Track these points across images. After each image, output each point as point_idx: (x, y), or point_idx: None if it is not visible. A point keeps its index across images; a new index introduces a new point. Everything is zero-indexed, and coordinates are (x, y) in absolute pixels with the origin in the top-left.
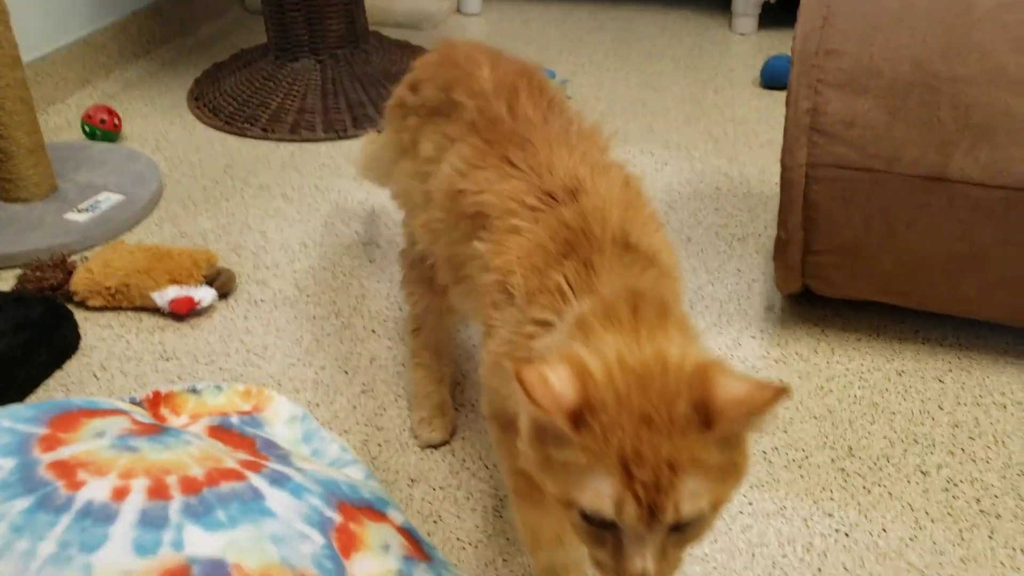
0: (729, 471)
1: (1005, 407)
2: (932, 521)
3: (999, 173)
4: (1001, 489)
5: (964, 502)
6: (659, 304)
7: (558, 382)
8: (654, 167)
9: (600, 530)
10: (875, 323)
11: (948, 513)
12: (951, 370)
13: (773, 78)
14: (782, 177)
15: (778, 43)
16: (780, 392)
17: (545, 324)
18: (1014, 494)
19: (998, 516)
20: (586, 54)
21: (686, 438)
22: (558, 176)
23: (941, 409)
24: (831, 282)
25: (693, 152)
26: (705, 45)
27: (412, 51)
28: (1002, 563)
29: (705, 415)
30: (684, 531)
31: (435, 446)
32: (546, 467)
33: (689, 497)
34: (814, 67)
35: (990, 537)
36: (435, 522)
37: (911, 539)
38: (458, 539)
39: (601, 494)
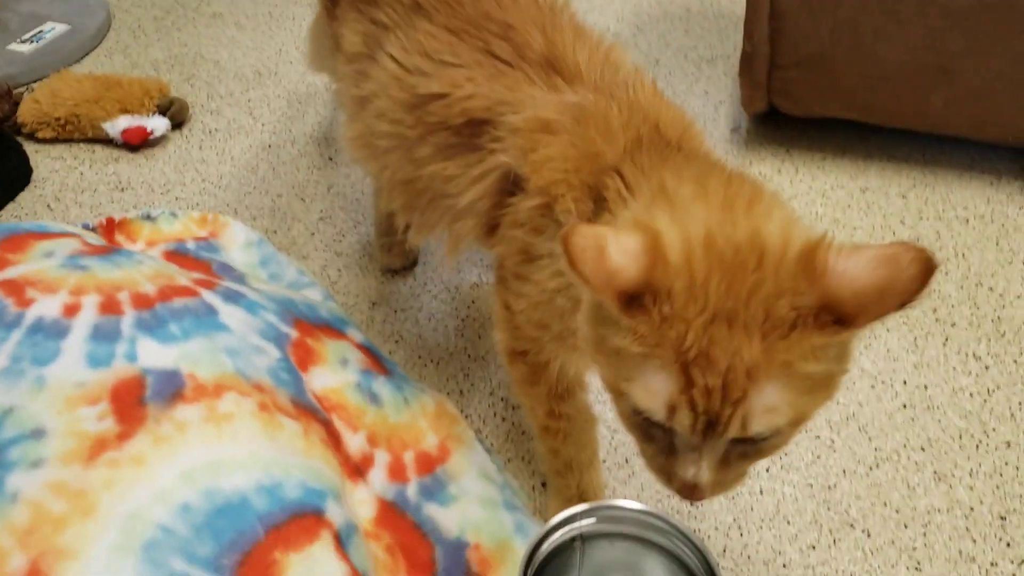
0: (822, 384)
1: (967, 221)
2: (887, 330)
3: None
4: (958, 299)
5: (920, 312)
6: (751, 179)
7: (618, 254)
8: None
9: (652, 427)
10: (840, 142)
11: (903, 322)
12: (915, 186)
13: None
14: None
15: None
16: (927, 265)
17: None
18: (970, 303)
19: (953, 324)
20: None
21: (785, 341)
22: (567, 67)
23: (903, 224)
24: (797, 99)
25: None
26: None
27: None
28: (954, 368)
29: (835, 314)
30: (756, 444)
31: (395, 271)
32: (600, 349)
33: (763, 412)
34: None
35: (944, 344)
36: (396, 342)
37: (866, 347)
38: (419, 357)
39: (654, 393)
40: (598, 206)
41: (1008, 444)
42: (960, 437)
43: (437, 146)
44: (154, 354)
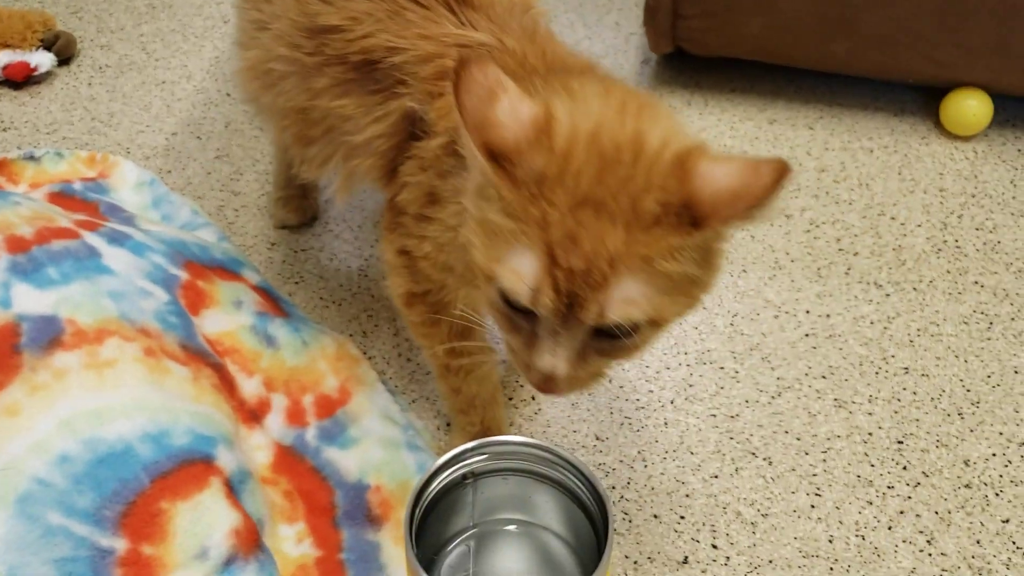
0: (682, 287)
1: (872, 151)
2: (792, 261)
3: None
4: (860, 228)
5: (824, 242)
6: (651, 94)
7: (506, 113)
8: None
9: (517, 315)
10: (749, 76)
11: (808, 253)
12: (822, 117)
13: None
14: None
15: None
16: (782, 172)
17: None
18: (872, 232)
19: (855, 254)
20: None
21: (647, 235)
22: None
23: (809, 155)
24: (703, 44)
25: None
26: None
27: None
28: (856, 296)
29: (691, 215)
30: (613, 341)
31: (290, 227)
32: (480, 230)
33: (622, 302)
34: None
35: (846, 274)
36: (296, 283)
37: (770, 278)
38: (320, 299)
39: (520, 273)
40: None
41: (906, 370)
42: (860, 364)
43: (335, 79)
44: (30, 299)
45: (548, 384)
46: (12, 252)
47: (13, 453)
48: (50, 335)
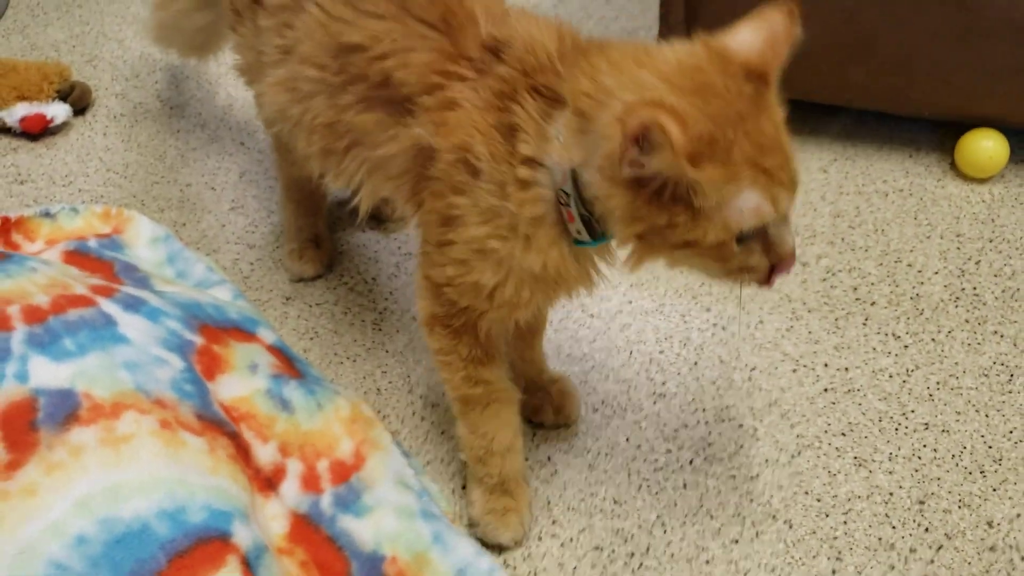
0: None
1: (887, 195)
2: (809, 311)
3: None
4: (877, 276)
5: (841, 291)
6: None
7: (671, 127)
8: None
9: (751, 241)
10: None
11: (825, 302)
12: (836, 160)
13: None
14: None
15: None
16: (791, 11)
17: (533, 162)
18: (889, 281)
19: (873, 303)
20: None
21: (772, 107)
22: (473, 35)
23: (824, 200)
24: None
25: None
26: None
27: None
28: (874, 348)
29: (758, 78)
30: None
31: (307, 279)
32: (669, 228)
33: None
34: None
35: (864, 324)
36: (311, 339)
37: (788, 330)
38: (335, 354)
39: (757, 205)
40: (509, 136)
41: (926, 426)
42: (880, 420)
43: (357, 95)
44: (47, 373)
45: (791, 259)
46: (29, 323)
47: (30, 535)
48: (67, 410)
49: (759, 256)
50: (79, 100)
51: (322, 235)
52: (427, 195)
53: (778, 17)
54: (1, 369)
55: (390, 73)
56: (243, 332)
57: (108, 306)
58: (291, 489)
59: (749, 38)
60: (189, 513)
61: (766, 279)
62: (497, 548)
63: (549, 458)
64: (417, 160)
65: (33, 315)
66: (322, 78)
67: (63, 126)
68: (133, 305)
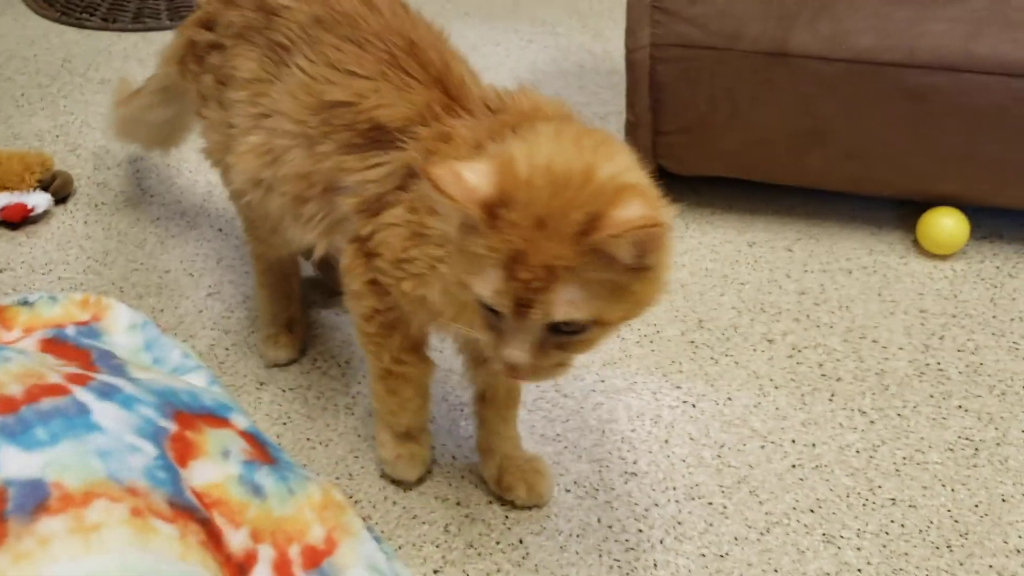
0: (619, 293)
1: (850, 272)
2: (776, 387)
3: (839, 46)
4: (843, 352)
5: (807, 367)
6: (612, 136)
7: (473, 176)
8: (519, 45)
9: (491, 315)
10: (728, 197)
11: (791, 379)
12: (800, 238)
13: None
14: (627, 59)
15: None
16: (655, 223)
17: None
18: (855, 356)
19: (839, 379)
20: None
21: (567, 246)
22: (467, 89)
23: (789, 277)
24: (682, 161)
25: (558, 28)
26: None
27: None
28: (841, 424)
29: (586, 228)
30: (567, 336)
31: (281, 364)
32: (460, 254)
33: (564, 304)
34: None
35: (830, 400)
36: (284, 424)
37: (755, 406)
38: (307, 439)
39: (488, 285)
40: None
41: (893, 501)
42: (847, 496)
43: (339, 143)
44: (17, 463)
45: (513, 371)
46: (2, 413)
47: None
48: (36, 500)
49: (491, 341)
50: (60, 189)
51: (295, 319)
52: (397, 209)
53: (647, 219)
54: None
55: (380, 118)
56: (216, 418)
57: (82, 394)
58: (263, 574)
59: (637, 207)
60: None
61: (498, 364)
62: (403, 485)
63: (521, 541)
64: (395, 178)
65: (6, 405)
66: (300, 131)
67: (43, 215)
68: (107, 393)
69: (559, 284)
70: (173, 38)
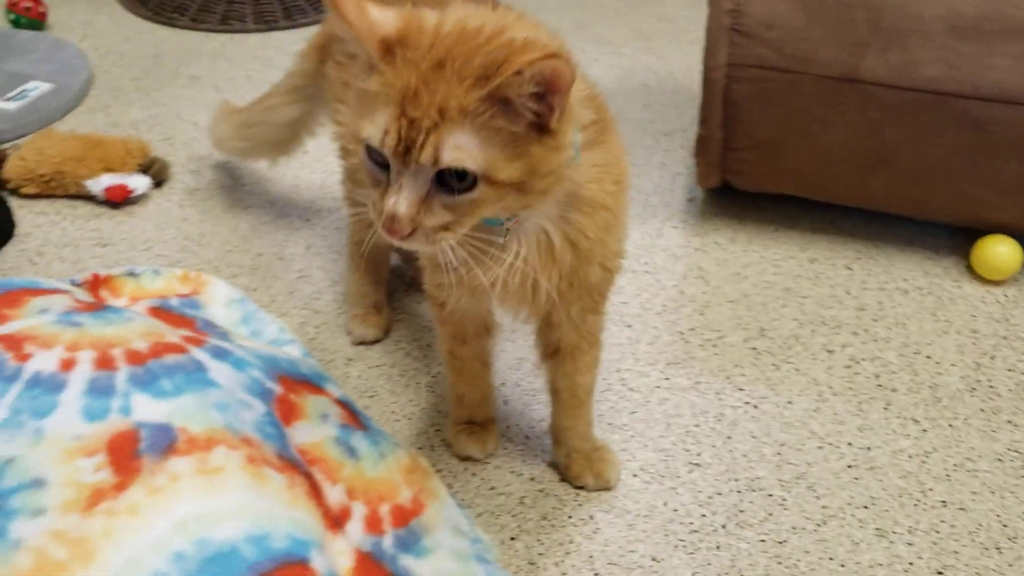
0: (515, 147)
1: (907, 292)
2: (834, 394)
3: (907, 75)
4: (898, 366)
5: (864, 377)
6: (539, 21)
7: (379, 14)
8: (585, 63)
9: (377, 169)
10: (791, 214)
11: (849, 387)
12: (860, 258)
13: None
14: (704, 77)
15: None
16: (557, 55)
17: None
18: (909, 370)
19: (894, 390)
20: None
21: (464, 89)
22: None
23: (848, 294)
24: (749, 177)
25: (623, 49)
26: None
27: None
28: (895, 431)
29: (487, 73)
30: (456, 197)
31: (368, 343)
32: (358, 97)
33: (452, 148)
34: None
35: (885, 408)
36: (371, 397)
37: (815, 410)
38: (392, 412)
39: (377, 124)
40: None
41: (944, 503)
42: (900, 496)
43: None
44: (148, 408)
45: (392, 223)
46: (131, 364)
47: (136, 549)
48: (166, 442)
49: (377, 194)
50: (158, 174)
51: (382, 303)
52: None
53: (536, 54)
54: (107, 404)
55: None
56: (314, 386)
57: (198, 354)
58: (356, 529)
59: (536, 56)
60: (273, 540)
61: (378, 219)
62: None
63: (591, 517)
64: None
65: (134, 358)
66: None
67: (142, 197)
68: (220, 354)
69: (451, 126)
70: (319, 30)
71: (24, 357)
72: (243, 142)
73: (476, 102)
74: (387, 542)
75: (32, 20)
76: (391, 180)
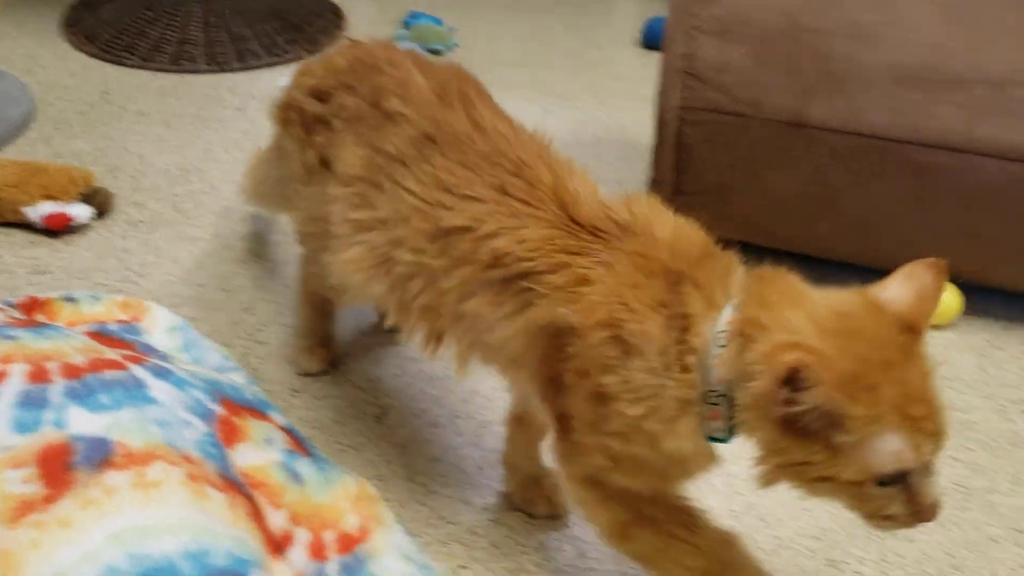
0: None
1: None
2: None
3: (853, 120)
4: None
5: None
6: (785, 273)
7: (815, 365)
8: (539, 115)
9: (891, 487)
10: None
11: None
12: None
13: (653, 38)
14: (657, 119)
15: (659, 5)
16: (939, 266)
17: (697, 353)
18: None
19: None
20: (472, 4)
21: (920, 356)
22: (587, 208)
23: None
24: (697, 221)
25: (576, 104)
26: (590, 4)
27: None
28: None
29: (910, 328)
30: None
31: (314, 374)
32: (808, 463)
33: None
34: (691, 14)
35: None
36: (316, 428)
37: None
38: (338, 442)
39: (898, 450)
40: (679, 322)
41: (892, 535)
42: (849, 527)
43: (462, 279)
44: (83, 422)
45: (935, 509)
46: (67, 378)
47: (64, 562)
48: (102, 455)
49: (900, 504)
50: (101, 204)
51: (330, 336)
52: (569, 374)
53: (926, 272)
54: (39, 416)
55: (501, 251)
56: (258, 412)
57: (138, 371)
58: (299, 555)
59: (900, 292)
60: (213, 557)
61: (907, 525)
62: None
63: (542, 544)
64: (543, 338)
65: (71, 372)
66: (420, 262)
67: (84, 227)
68: (161, 374)
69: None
70: (279, 98)
71: None
72: (258, 197)
73: (927, 357)
74: (331, 568)
75: None
76: (918, 481)
